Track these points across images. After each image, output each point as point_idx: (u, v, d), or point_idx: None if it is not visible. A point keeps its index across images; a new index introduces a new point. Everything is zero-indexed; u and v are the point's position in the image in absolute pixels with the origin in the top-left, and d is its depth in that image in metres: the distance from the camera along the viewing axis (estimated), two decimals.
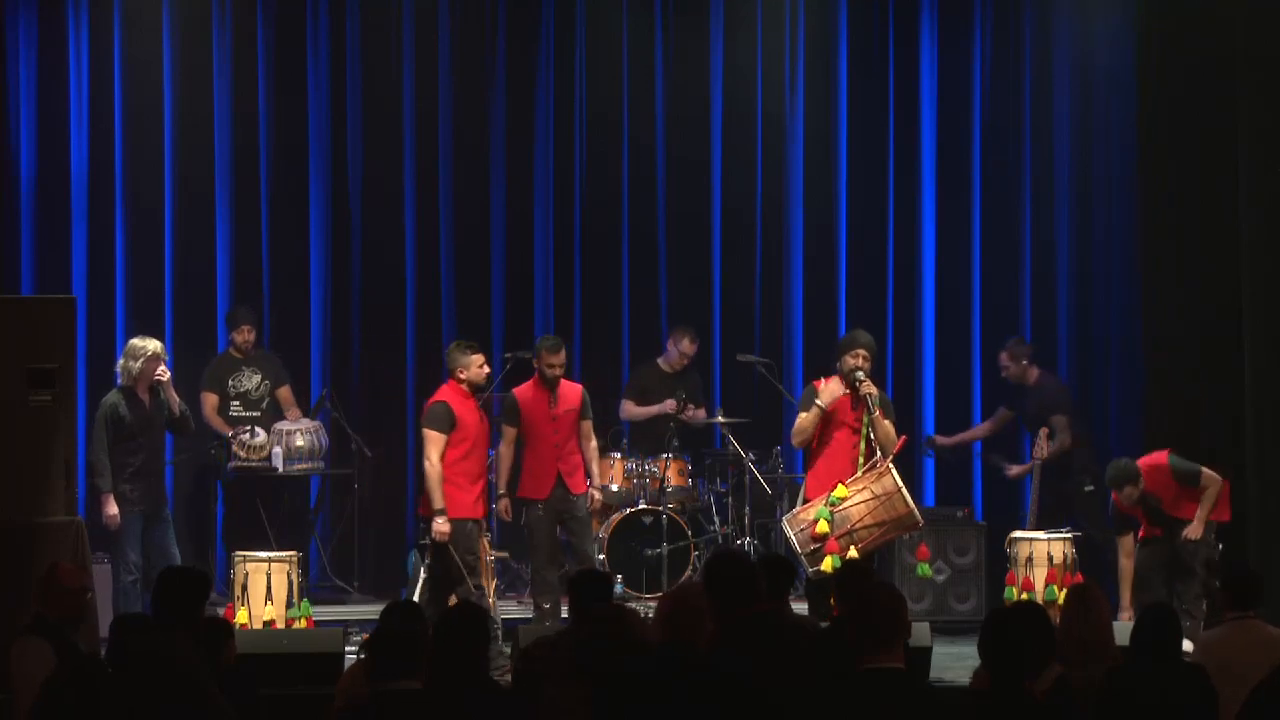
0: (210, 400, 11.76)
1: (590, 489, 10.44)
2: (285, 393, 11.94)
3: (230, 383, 11.84)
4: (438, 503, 9.72)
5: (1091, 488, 11.42)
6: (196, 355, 11.89)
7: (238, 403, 11.84)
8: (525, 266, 12.66)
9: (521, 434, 10.17)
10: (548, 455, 10.17)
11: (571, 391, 10.32)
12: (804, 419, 9.73)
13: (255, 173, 12.38)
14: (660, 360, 12.12)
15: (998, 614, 5.75)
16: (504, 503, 10.27)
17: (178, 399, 10.44)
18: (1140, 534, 10.44)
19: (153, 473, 10.30)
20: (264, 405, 11.86)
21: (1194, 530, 10.23)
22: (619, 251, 12.71)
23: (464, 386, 9.87)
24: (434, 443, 9.76)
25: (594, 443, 10.47)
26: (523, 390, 10.23)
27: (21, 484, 8.92)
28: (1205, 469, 10.31)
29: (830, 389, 9.63)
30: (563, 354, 10.23)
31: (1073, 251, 12.60)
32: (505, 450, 10.17)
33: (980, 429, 12.19)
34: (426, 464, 9.79)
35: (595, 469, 10.53)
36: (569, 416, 10.24)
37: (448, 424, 9.77)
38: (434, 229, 12.55)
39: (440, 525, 9.72)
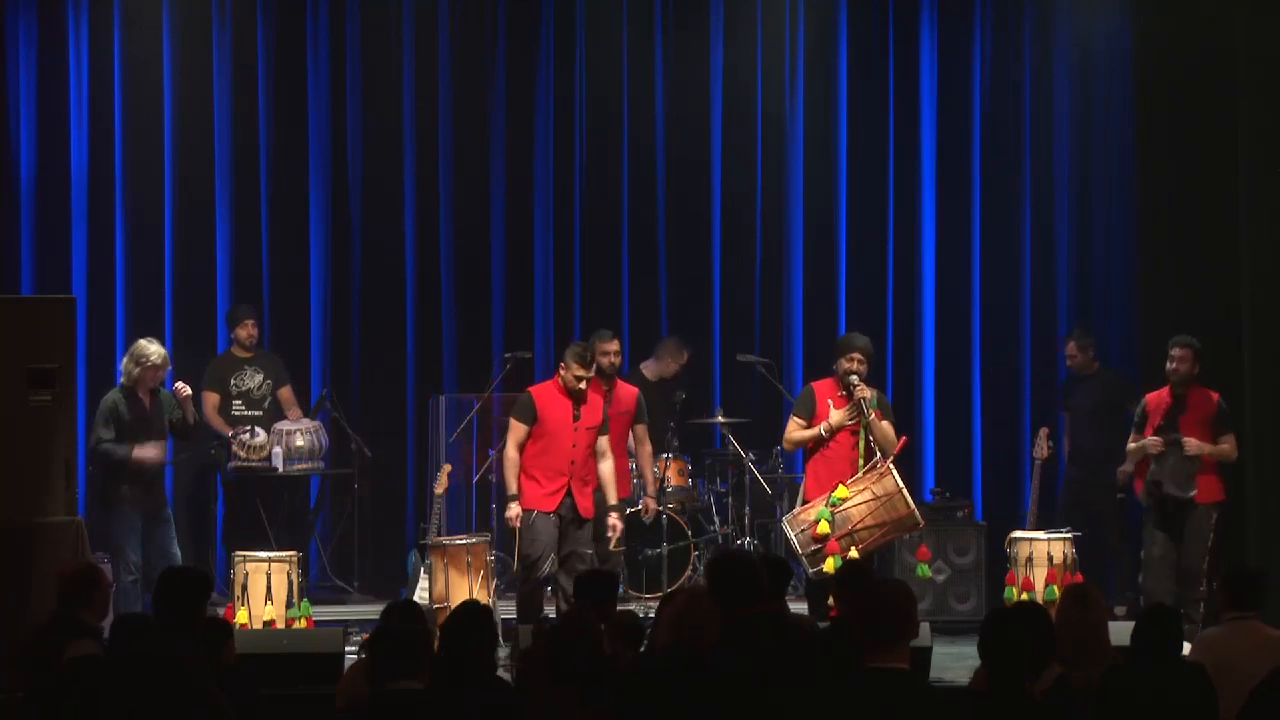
0: (211, 400, 11.76)
1: (644, 498, 10.57)
2: (286, 393, 11.94)
3: (232, 382, 11.85)
4: (510, 488, 9.72)
5: (1123, 495, 11.43)
6: (196, 355, 11.89)
7: (240, 402, 11.84)
8: (525, 266, 12.66)
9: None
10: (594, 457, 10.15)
11: (627, 394, 10.35)
12: (799, 432, 9.73)
13: (255, 173, 12.38)
14: (644, 367, 12.08)
15: (998, 614, 5.75)
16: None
17: (193, 412, 10.48)
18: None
19: (152, 473, 10.31)
20: (266, 405, 11.86)
21: (1194, 446, 10.17)
22: (619, 251, 12.71)
23: (560, 381, 9.82)
24: (511, 431, 9.81)
25: (647, 448, 10.57)
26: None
27: (21, 484, 8.92)
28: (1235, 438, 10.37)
29: (838, 416, 9.62)
30: (616, 343, 10.35)
31: (1073, 251, 12.61)
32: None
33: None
34: (503, 451, 9.91)
35: (649, 474, 10.65)
36: (622, 418, 10.28)
37: (528, 415, 9.76)
38: (434, 229, 12.55)
39: (510, 510, 9.71)
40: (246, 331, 11.87)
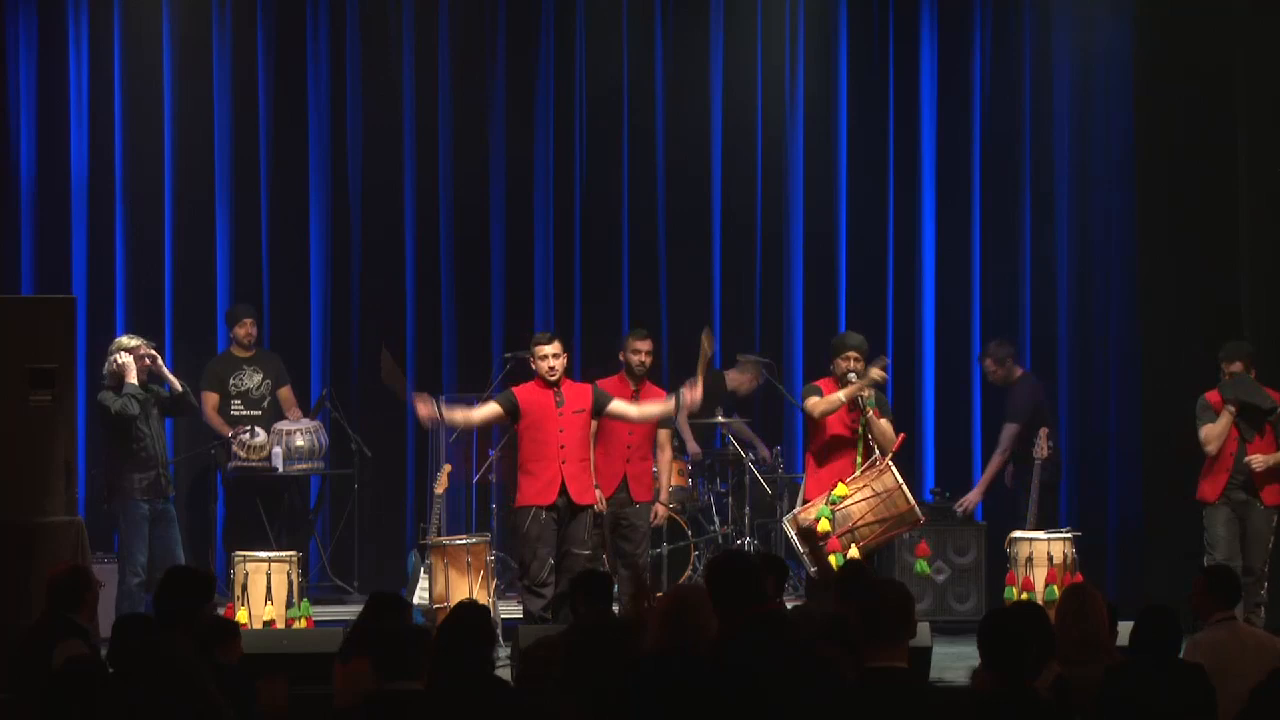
0: (211, 399, 11.75)
1: (655, 503, 10.41)
2: (286, 393, 11.93)
3: (231, 381, 11.84)
4: (448, 416, 9.90)
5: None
6: (196, 355, 11.90)
7: (239, 402, 11.84)
8: (525, 266, 12.66)
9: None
10: (619, 455, 10.12)
11: (658, 394, 10.27)
12: (821, 403, 9.65)
13: (255, 173, 12.38)
14: (728, 374, 12.14)
15: (999, 614, 5.74)
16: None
17: (175, 378, 10.46)
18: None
19: (156, 462, 10.29)
20: (265, 404, 11.85)
21: (1260, 461, 10.15)
22: (619, 251, 12.71)
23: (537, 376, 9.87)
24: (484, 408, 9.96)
25: (668, 454, 10.50)
26: (608, 384, 10.11)
27: (21, 484, 8.92)
28: None
29: (848, 391, 9.59)
30: (650, 342, 10.29)
31: (1072, 252, 12.60)
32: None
33: (995, 461, 11.81)
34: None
35: (665, 480, 10.49)
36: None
37: (507, 403, 9.78)
38: (434, 229, 12.55)
39: (420, 407, 9.84)
40: (245, 330, 11.86)
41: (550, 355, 9.75)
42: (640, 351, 10.15)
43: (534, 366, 9.83)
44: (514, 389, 9.94)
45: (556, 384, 9.76)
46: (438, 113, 12.49)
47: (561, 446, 9.74)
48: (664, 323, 12.70)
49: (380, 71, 12.48)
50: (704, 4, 12.71)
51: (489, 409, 9.89)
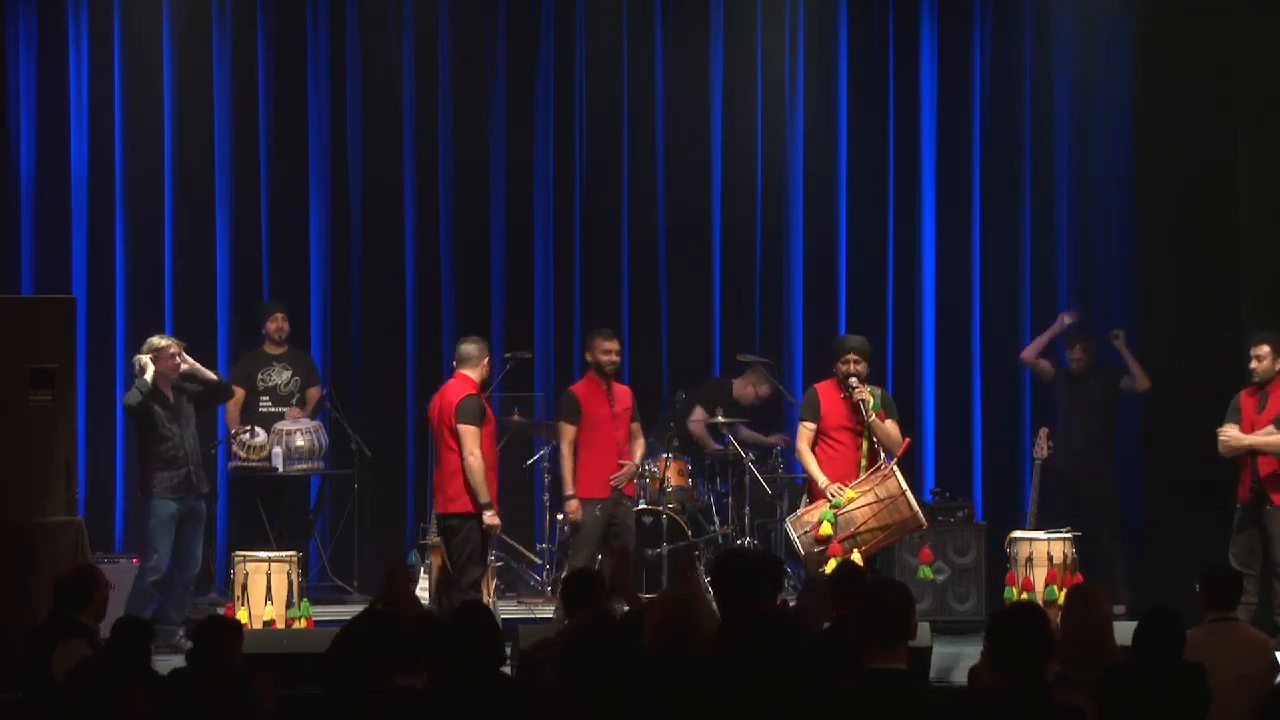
0: (237, 394, 11.75)
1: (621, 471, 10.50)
2: (315, 393, 11.94)
3: (260, 377, 11.83)
4: (483, 496, 9.61)
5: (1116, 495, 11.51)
6: (195, 355, 11.85)
7: (267, 398, 11.83)
8: (525, 267, 12.67)
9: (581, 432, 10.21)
10: (613, 454, 10.25)
11: (624, 391, 10.44)
12: (809, 458, 9.56)
13: (255, 173, 12.39)
14: (735, 382, 12.13)
15: (1004, 614, 5.72)
16: (574, 504, 10.16)
17: (205, 370, 10.44)
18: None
19: (187, 460, 10.26)
20: (294, 402, 11.84)
21: (1230, 435, 10.04)
22: (619, 251, 12.71)
23: (474, 380, 9.84)
24: (471, 437, 9.63)
25: (641, 443, 10.58)
26: (580, 388, 10.28)
27: (21, 484, 8.93)
28: None
29: (843, 492, 9.45)
30: (617, 342, 10.46)
31: (1073, 251, 12.61)
32: (568, 450, 10.17)
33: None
34: (470, 459, 9.58)
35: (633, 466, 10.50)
36: (625, 415, 10.33)
37: (480, 417, 9.74)
38: (434, 229, 12.56)
39: (490, 518, 9.63)
40: (276, 325, 11.87)
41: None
42: (611, 352, 10.27)
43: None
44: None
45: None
46: (438, 113, 12.49)
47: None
48: (664, 323, 12.71)
49: (380, 71, 12.49)
50: (704, 4, 12.72)
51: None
